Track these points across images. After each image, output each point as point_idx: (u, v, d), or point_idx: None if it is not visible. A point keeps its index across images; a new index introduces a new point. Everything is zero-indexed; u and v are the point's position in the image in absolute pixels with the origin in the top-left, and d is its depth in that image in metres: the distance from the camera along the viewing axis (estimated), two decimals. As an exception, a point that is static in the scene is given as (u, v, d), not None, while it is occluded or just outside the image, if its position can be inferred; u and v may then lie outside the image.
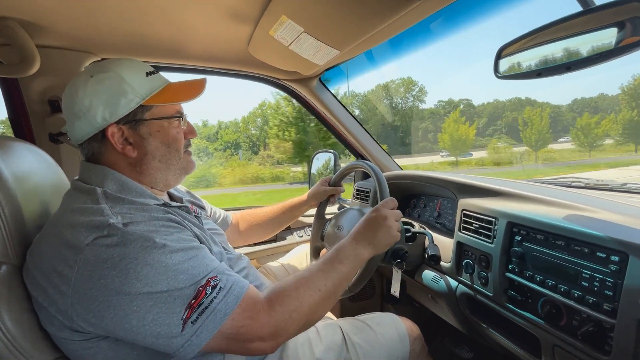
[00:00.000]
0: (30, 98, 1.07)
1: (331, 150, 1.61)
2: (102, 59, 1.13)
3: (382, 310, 1.15)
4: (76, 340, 0.57)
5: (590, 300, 0.60)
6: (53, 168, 0.81)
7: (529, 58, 0.65)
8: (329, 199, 1.19)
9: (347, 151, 1.71)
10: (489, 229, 0.83)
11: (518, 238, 0.76)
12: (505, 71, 0.69)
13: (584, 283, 0.62)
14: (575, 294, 0.63)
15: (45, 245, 0.58)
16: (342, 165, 1.20)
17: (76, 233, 0.55)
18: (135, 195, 0.65)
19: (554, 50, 0.61)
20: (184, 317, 0.53)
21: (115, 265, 0.52)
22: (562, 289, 0.65)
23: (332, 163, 1.59)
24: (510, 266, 0.77)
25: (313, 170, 1.68)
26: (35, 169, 0.73)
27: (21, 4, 0.82)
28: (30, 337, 0.56)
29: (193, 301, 0.54)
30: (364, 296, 1.61)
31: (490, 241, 0.82)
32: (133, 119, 0.67)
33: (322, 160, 1.68)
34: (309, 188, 1.63)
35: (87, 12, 0.88)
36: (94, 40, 1.05)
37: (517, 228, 0.77)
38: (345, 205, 1.38)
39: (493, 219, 0.83)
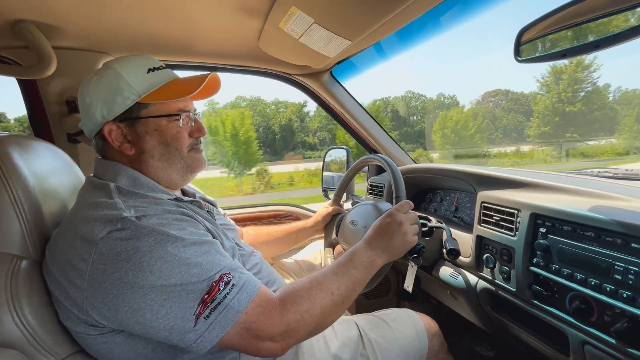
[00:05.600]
0: (48, 99, 1.09)
1: (344, 147, 1.58)
2: (116, 59, 1.14)
3: (398, 308, 1.13)
4: (92, 335, 0.57)
5: (625, 295, 0.56)
6: (71, 167, 0.82)
7: (552, 39, 0.61)
8: (334, 220, 1.18)
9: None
10: (511, 222, 0.80)
11: (543, 230, 0.72)
12: (527, 55, 0.66)
13: (616, 276, 0.58)
14: (608, 288, 0.59)
15: (62, 240, 0.59)
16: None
17: (90, 227, 0.55)
18: (148, 190, 0.65)
19: (581, 30, 0.57)
20: (197, 312, 0.53)
21: (129, 259, 0.52)
22: (593, 283, 0.61)
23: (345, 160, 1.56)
24: (534, 260, 0.74)
25: (325, 168, 1.65)
26: (54, 168, 0.74)
27: (37, 6, 0.84)
28: (50, 330, 0.57)
29: (206, 296, 0.53)
30: (379, 293, 1.59)
31: (512, 234, 0.79)
32: (129, 117, 0.66)
33: (334, 157, 1.66)
34: (322, 186, 1.62)
35: (100, 12, 0.89)
36: (107, 40, 1.06)
37: (542, 220, 0.73)
38: (359, 201, 1.36)
39: (515, 211, 0.79)
